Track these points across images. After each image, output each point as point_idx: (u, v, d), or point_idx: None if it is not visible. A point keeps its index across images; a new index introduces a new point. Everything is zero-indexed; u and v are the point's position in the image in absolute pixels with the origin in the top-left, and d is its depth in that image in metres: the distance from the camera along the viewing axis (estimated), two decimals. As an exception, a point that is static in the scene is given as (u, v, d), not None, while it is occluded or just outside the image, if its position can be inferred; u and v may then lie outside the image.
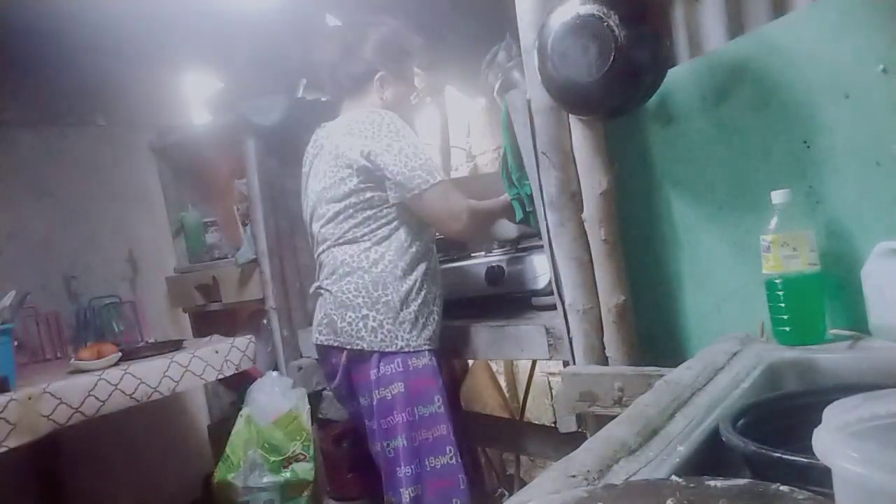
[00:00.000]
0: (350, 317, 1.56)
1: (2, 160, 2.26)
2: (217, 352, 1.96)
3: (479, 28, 1.97)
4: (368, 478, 1.74)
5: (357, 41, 1.65)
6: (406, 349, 1.54)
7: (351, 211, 1.57)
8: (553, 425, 1.61)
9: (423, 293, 1.58)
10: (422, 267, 1.59)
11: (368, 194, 1.56)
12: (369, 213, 1.57)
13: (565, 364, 1.39)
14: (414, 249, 1.59)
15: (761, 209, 1.08)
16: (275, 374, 2.02)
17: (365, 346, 1.55)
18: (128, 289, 2.57)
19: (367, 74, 1.65)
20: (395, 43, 1.68)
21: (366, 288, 1.55)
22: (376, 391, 1.54)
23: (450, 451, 1.52)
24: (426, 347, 1.56)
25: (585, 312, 1.31)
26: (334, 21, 2.26)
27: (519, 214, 1.62)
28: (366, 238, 1.57)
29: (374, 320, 1.54)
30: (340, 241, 1.60)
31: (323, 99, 2.42)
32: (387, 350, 1.54)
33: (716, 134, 1.22)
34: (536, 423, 2.85)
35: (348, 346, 1.58)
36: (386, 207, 1.57)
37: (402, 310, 1.55)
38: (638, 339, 1.30)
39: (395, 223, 1.58)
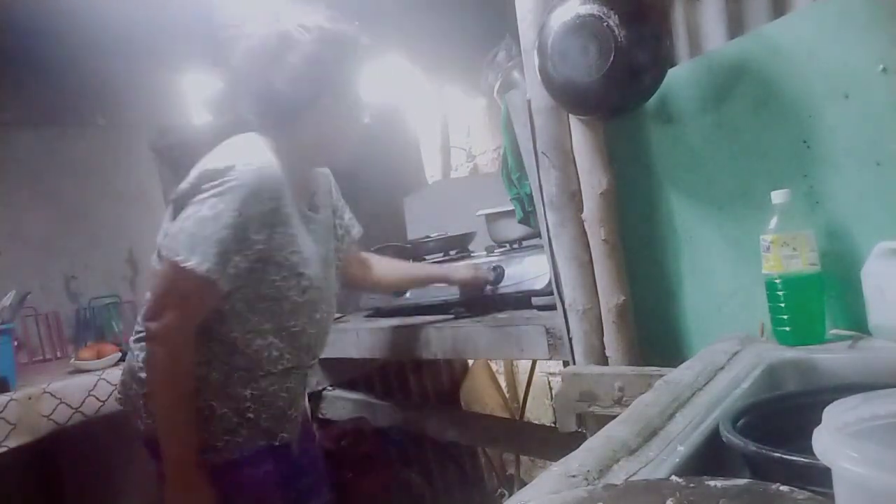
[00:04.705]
0: None
1: (2, 160, 2.25)
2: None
3: (479, 28, 1.97)
4: (369, 477, 1.74)
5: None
6: None
7: None
8: (553, 425, 1.61)
9: None
10: None
11: None
12: None
13: (565, 364, 1.39)
14: None
15: (761, 209, 1.08)
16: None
17: None
18: (128, 289, 2.56)
19: None
20: None
21: None
22: None
23: None
24: None
25: (585, 312, 1.31)
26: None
27: (519, 214, 1.62)
28: None
29: None
30: None
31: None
32: None
33: (716, 134, 1.22)
34: (536, 423, 2.86)
35: None
36: None
37: None
38: (638, 339, 1.29)
39: None
